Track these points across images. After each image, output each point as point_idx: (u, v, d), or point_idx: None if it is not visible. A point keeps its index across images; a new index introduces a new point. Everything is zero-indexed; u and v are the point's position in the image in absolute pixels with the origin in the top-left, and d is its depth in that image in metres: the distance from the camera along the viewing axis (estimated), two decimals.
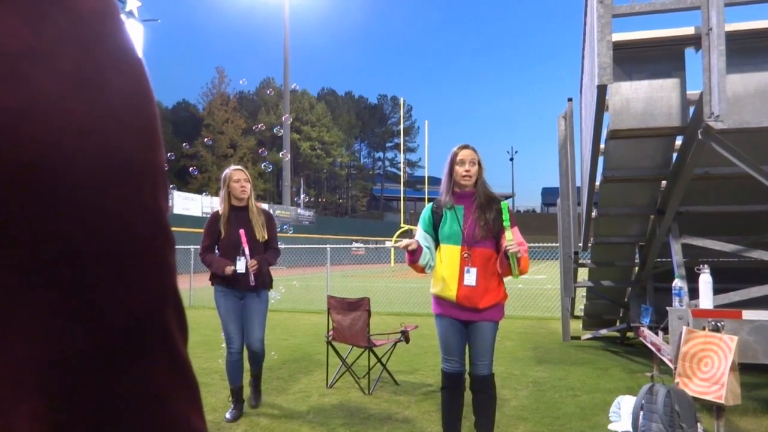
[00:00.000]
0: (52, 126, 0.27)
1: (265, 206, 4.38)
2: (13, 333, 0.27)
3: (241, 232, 4.05)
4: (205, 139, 29.71)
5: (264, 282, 4.20)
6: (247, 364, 4.27)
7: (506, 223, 3.02)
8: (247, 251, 4.03)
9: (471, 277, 3.09)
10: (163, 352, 0.33)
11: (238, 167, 4.23)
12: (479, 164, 3.21)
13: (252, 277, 4.01)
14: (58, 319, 0.28)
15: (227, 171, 4.21)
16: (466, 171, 3.16)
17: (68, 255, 0.28)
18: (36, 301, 0.28)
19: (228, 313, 4.12)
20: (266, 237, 4.18)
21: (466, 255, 3.12)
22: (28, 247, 0.27)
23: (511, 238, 2.98)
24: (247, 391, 4.36)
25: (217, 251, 4.21)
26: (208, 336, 7.64)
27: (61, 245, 0.28)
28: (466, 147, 3.23)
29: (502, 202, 3.11)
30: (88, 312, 0.29)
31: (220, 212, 4.19)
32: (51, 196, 0.27)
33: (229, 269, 4.02)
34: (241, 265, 4.06)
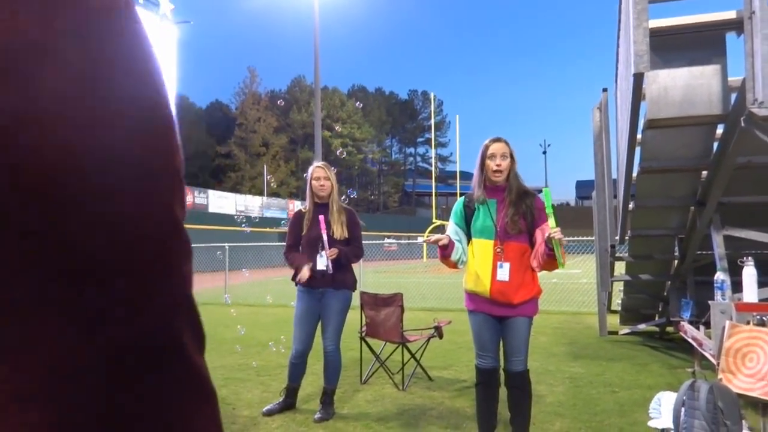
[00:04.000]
0: (57, 129, 0.26)
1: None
2: (21, 344, 0.26)
3: (321, 218, 3.96)
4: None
5: (345, 281, 4.08)
6: (315, 368, 4.07)
7: (549, 210, 2.94)
8: (325, 238, 3.94)
9: (504, 272, 3.04)
10: (177, 364, 0.31)
11: (320, 164, 4.15)
12: (511, 157, 3.15)
13: (330, 265, 3.93)
14: (67, 329, 0.27)
15: (310, 168, 4.16)
16: (497, 165, 3.11)
17: (78, 265, 0.27)
18: (45, 312, 0.27)
19: (299, 316, 4.07)
20: (346, 236, 4.05)
21: (499, 249, 3.07)
22: (37, 257, 0.26)
23: (555, 225, 2.90)
24: (308, 403, 4.27)
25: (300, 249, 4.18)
26: (245, 332, 7.74)
27: (69, 252, 0.27)
28: (497, 140, 3.17)
29: (544, 188, 3.03)
30: (98, 321, 0.28)
31: (304, 210, 4.17)
32: (59, 204, 0.26)
33: (304, 272, 3.95)
34: (320, 262, 3.98)
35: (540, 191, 3.15)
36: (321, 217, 3.98)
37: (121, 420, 0.29)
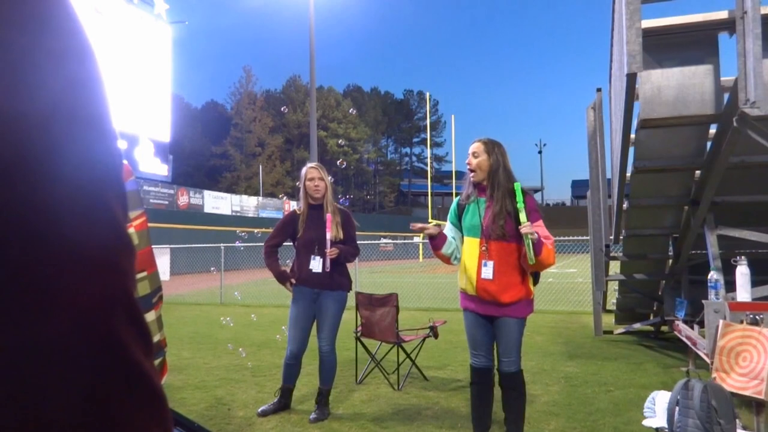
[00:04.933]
0: None
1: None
2: None
3: (328, 216, 3.96)
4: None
5: (341, 282, 4.07)
6: (310, 368, 4.07)
7: (520, 206, 2.97)
8: (329, 236, 3.93)
9: (488, 271, 3.06)
10: (113, 361, 0.29)
11: (313, 165, 4.12)
12: (491, 155, 3.15)
13: (328, 264, 3.92)
14: None
15: (304, 168, 4.13)
16: (468, 163, 3.18)
17: (2, 255, 0.26)
18: None
19: (294, 317, 4.06)
20: (342, 237, 4.04)
21: (484, 248, 3.09)
22: None
23: (525, 220, 2.93)
24: (303, 404, 4.27)
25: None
26: (238, 332, 7.73)
27: None
28: (476, 140, 3.23)
29: (515, 184, 3.04)
30: (18, 313, 0.26)
31: (298, 211, 4.14)
32: None
33: (287, 285, 4.07)
34: (315, 264, 3.98)
35: (535, 191, 3.17)
36: (328, 216, 3.98)
37: (50, 423, 0.27)
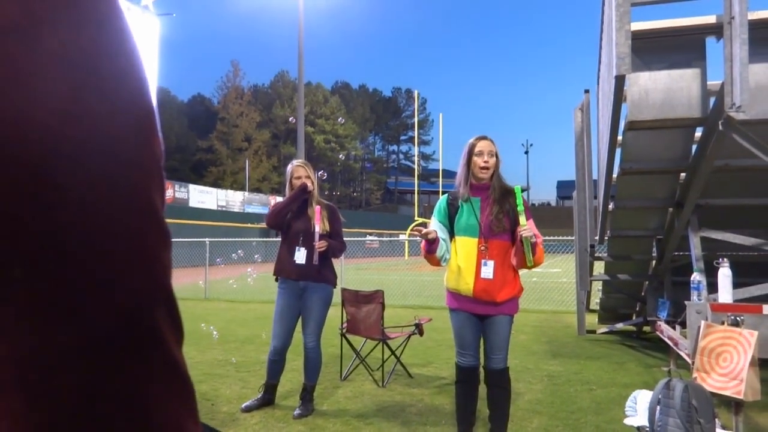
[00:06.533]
0: (35, 108, 0.26)
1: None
2: None
3: (317, 208, 3.98)
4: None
5: (326, 276, 4.07)
6: (294, 364, 4.06)
7: (520, 208, 2.98)
8: (317, 229, 3.94)
9: (488, 270, 3.05)
10: (154, 354, 0.31)
11: (299, 163, 4.16)
12: (496, 156, 3.17)
13: (317, 257, 3.92)
14: (40, 315, 0.27)
15: (290, 166, 4.16)
16: (485, 162, 3.11)
17: (51, 248, 0.27)
18: (16, 297, 0.26)
19: (279, 312, 4.05)
20: (328, 230, 4.06)
21: (483, 247, 3.08)
22: (6, 239, 0.25)
23: (525, 223, 2.95)
24: (288, 399, 4.25)
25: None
26: (223, 328, 7.69)
27: (43, 238, 0.26)
28: (484, 138, 3.18)
29: (515, 187, 3.07)
30: (72, 309, 0.27)
31: None
32: (32, 184, 0.26)
33: (307, 183, 4.02)
34: (299, 256, 3.98)
35: (522, 191, 3.17)
36: (317, 208, 3.99)
37: (96, 410, 0.28)
